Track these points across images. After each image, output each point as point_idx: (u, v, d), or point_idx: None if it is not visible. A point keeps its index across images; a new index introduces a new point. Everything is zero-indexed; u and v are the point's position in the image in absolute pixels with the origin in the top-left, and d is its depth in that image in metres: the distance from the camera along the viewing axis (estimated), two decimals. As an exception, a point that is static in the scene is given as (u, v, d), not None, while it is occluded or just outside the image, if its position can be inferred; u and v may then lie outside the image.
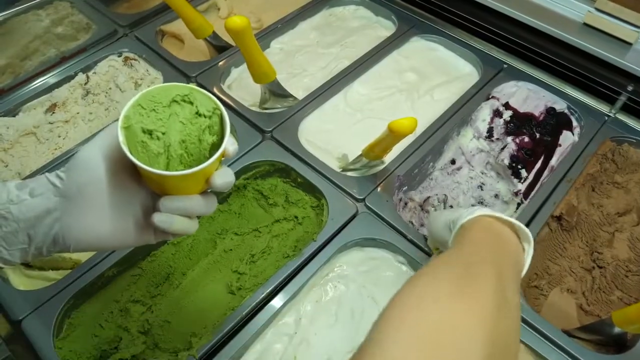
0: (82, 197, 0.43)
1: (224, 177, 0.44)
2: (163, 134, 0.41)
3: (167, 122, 0.41)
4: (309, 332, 0.67)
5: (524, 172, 0.86)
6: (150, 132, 0.41)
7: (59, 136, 0.90)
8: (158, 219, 0.43)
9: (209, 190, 0.46)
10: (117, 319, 0.69)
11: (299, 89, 0.97)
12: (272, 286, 0.69)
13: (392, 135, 0.68)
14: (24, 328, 0.66)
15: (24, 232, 0.43)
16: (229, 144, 0.43)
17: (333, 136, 0.90)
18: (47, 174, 0.44)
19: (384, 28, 1.12)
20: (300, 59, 1.04)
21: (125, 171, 0.44)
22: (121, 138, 0.40)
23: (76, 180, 0.43)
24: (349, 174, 0.83)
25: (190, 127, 0.42)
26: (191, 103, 0.42)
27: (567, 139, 0.91)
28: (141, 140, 0.41)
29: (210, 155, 0.42)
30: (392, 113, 0.94)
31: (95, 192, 0.43)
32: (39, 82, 0.96)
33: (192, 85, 0.43)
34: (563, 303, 0.73)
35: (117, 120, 0.41)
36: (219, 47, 1.02)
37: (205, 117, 0.42)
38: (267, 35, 1.06)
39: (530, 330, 0.66)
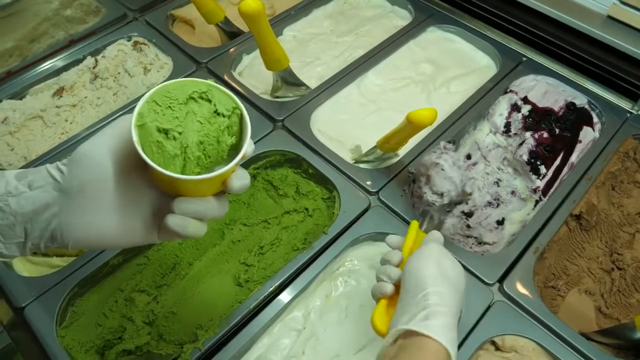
0: (84, 194, 0.41)
1: (241, 180, 0.43)
2: (180, 133, 0.38)
3: (184, 121, 0.39)
4: (318, 327, 0.66)
5: (543, 169, 0.83)
6: (166, 132, 0.38)
7: (66, 120, 0.88)
8: (172, 221, 0.41)
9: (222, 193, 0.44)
10: (121, 309, 0.68)
11: (311, 78, 0.94)
12: (281, 279, 0.67)
13: (411, 127, 0.65)
14: (27, 315, 0.65)
15: (20, 226, 0.41)
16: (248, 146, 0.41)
17: (346, 127, 0.88)
18: (48, 165, 0.43)
19: (400, 17, 1.09)
20: (314, 47, 1.01)
21: (132, 169, 0.42)
22: (135, 137, 0.38)
23: (78, 176, 0.41)
24: (362, 166, 0.81)
25: (209, 127, 0.39)
26: (209, 101, 0.40)
27: (588, 135, 0.88)
28: (156, 140, 0.38)
29: (229, 156, 0.40)
30: (407, 105, 0.91)
31: (98, 190, 0.41)
32: (46, 65, 0.94)
33: (210, 82, 0.40)
34: (581, 305, 0.71)
35: (124, 113, 0.39)
36: (231, 33, 1.00)
37: (224, 116, 0.40)
38: (279, 22, 1.04)
39: (547, 332, 0.63)
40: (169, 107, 0.38)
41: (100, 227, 0.42)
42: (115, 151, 0.41)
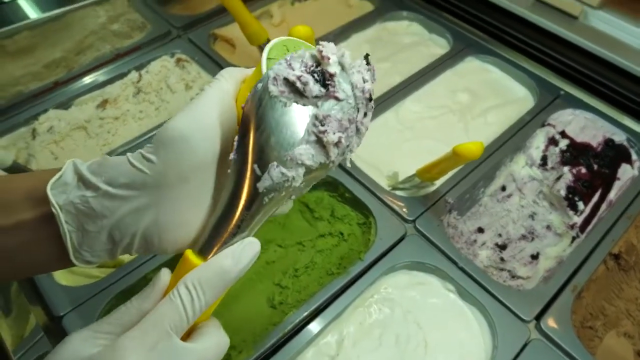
0: (188, 186, 0.35)
1: None
2: None
3: None
4: (351, 355, 0.65)
5: (581, 205, 0.83)
6: None
7: (109, 132, 0.90)
8: None
9: None
10: (156, 323, 0.68)
11: (349, 102, 0.95)
12: (317, 304, 0.67)
13: (455, 159, 0.66)
14: (65, 325, 0.65)
15: (105, 232, 0.35)
16: None
17: (382, 153, 0.88)
18: (129, 155, 0.35)
19: (438, 46, 1.09)
20: (351, 72, 1.02)
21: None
22: (264, 63, 0.37)
23: (176, 164, 0.34)
24: (398, 193, 0.81)
25: None
26: None
27: (627, 172, 0.88)
28: None
29: None
30: (445, 134, 0.91)
31: (205, 178, 0.35)
32: (92, 77, 0.97)
33: None
34: (619, 348, 0.69)
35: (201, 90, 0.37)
36: (271, 54, 1.01)
37: None
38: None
39: (586, 374, 0.62)
40: None
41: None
42: (216, 126, 0.35)
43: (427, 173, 0.74)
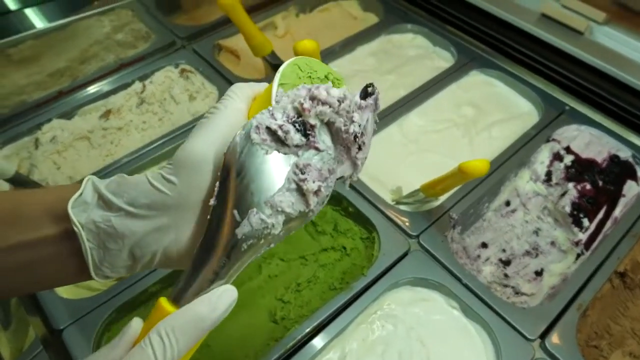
0: (203, 205, 0.36)
1: None
2: None
3: None
4: (353, 372, 0.64)
5: (586, 222, 0.82)
6: None
7: (112, 143, 0.90)
8: None
9: None
10: (156, 338, 0.67)
11: (353, 115, 0.95)
12: (319, 320, 0.66)
13: (461, 176, 0.65)
14: (65, 339, 0.65)
15: (127, 250, 0.36)
16: None
17: (386, 166, 0.88)
18: (148, 175, 0.36)
19: (442, 59, 1.09)
20: (357, 84, 1.02)
21: None
22: (274, 90, 0.37)
23: (197, 186, 0.35)
24: (401, 207, 0.81)
25: None
26: (338, 87, 0.40)
27: (632, 189, 0.87)
28: None
29: None
30: (449, 148, 0.91)
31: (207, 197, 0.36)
32: (96, 87, 0.97)
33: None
34: (625, 368, 0.68)
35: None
36: (276, 66, 1.01)
37: None
38: (323, 57, 1.05)
39: (592, 396, 0.61)
40: (309, 76, 0.39)
41: None
42: (220, 150, 0.36)
43: (432, 189, 0.74)
